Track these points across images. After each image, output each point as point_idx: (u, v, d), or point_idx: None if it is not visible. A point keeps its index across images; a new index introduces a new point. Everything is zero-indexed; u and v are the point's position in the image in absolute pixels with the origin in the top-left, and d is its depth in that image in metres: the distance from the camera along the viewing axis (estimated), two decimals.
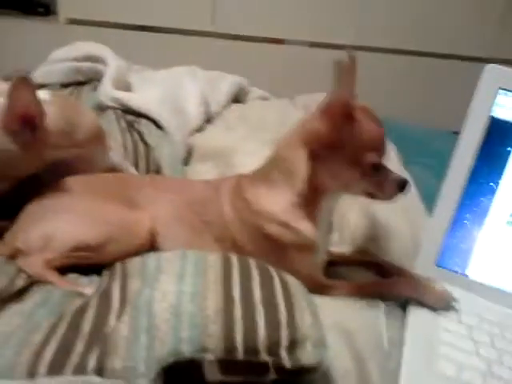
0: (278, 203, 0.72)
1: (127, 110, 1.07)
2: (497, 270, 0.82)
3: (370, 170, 0.70)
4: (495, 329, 0.75)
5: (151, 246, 0.71)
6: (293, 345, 0.47)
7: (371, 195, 0.75)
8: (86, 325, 0.52)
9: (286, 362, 0.47)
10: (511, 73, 0.78)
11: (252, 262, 0.57)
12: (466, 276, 0.83)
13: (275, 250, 0.70)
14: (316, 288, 0.71)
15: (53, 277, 0.63)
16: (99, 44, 1.28)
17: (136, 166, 0.96)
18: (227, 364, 0.47)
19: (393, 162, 0.98)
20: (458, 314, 0.76)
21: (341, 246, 0.90)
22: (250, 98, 1.52)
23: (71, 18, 2.24)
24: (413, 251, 0.87)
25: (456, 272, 0.83)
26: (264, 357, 0.46)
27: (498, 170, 0.80)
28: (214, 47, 2.26)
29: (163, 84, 1.24)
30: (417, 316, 0.75)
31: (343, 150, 0.70)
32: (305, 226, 0.71)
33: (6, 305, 0.58)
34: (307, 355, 0.47)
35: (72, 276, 0.65)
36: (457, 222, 0.82)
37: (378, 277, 0.82)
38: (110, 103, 1.08)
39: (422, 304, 0.75)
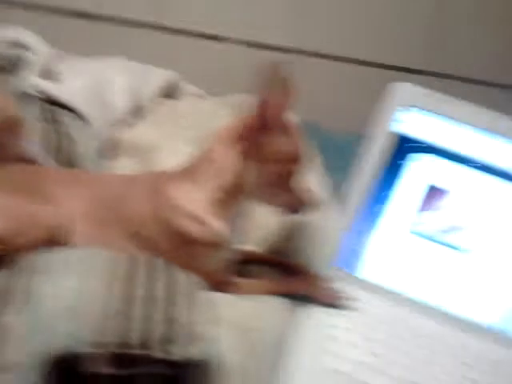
0: (196, 199, 0.73)
1: (51, 100, 1.07)
2: (388, 271, 0.89)
3: (285, 179, 0.74)
4: (383, 326, 0.82)
5: (63, 239, 0.71)
6: (186, 340, 0.51)
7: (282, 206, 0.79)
8: None
9: (176, 355, 0.50)
10: (415, 90, 0.85)
11: (159, 264, 0.60)
12: (358, 276, 0.89)
13: (184, 245, 0.70)
14: (221, 286, 0.75)
15: None
16: (25, 30, 1.25)
17: (56, 157, 0.96)
18: (122, 358, 0.50)
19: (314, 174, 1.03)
20: (349, 312, 0.83)
21: (252, 245, 0.95)
22: (184, 95, 1.54)
23: (7, 0, 2.16)
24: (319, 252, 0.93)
25: (351, 273, 0.90)
26: (156, 352, 0.50)
27: (394, 181, 0.87)
28: (152, 39, 2.24)
29: (91, 74, 1.23)
30: (310, 313, 0.81)
31: (266, 155, 0.72)
32: (218, 224, 0.73)
33: None
34: (197, 350, 0.51)
35: None
36: (354, 226, 0.89)
37: (282, 275, 0.87)
38: (34, 93, 1.07)
39: (315, 301, 0.81)
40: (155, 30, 2.25)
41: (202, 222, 0.73)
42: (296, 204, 0.77)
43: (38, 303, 0.53)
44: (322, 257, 0.90)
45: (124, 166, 1.04)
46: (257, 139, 0.71)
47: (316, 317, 0.80)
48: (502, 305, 0.86)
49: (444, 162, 0.85)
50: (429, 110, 0.84)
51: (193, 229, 0.73)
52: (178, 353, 0.50)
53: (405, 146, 0.85)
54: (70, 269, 0.56)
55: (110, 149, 1.11)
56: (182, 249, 0.72)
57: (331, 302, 0.81)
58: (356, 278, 0.89)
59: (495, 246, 0.85)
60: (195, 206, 0.73)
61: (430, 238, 0.86)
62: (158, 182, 0.77)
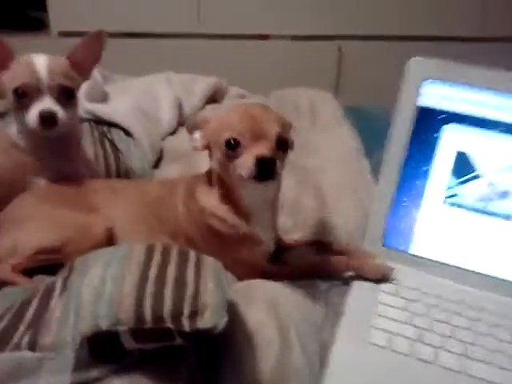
0: (211, 200, 0.80)
1: (99, 121, 1.16)
2: (437, 245, 0.88)
3: (225, 148, 0.73)
4: (432, 300, 0.81)
5: (107, 242, 0.79)
6: (193, 313, 0.56)
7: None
8: (30, 312, 0.63)
9: (186, 327, 0.55)
10: (433, 63, 0.84)
11: (174, 248, 0.65)
12: (410, 253, 0.89)
13: (220, 242, 0.77)
14: (262, 275, 0.79)
15: (19, 279, 0.73)
16: None
17: (107, 172, 1.05)
18: (139, 333, 0.56)
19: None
20: (397, 289, 0.83)
21: (295, 231, 0.98)
22: (228, 98, 1.59)
23: (63, 31, 2.33)
24: (362, 232, 0.94)
25: (401, 250, 0.90)
26: (168, 324, 0.55)
27: (429, 155, 0.86)
28: (201, 48, 2.32)
29: (137, 92, 1.32)
30: (357, 290, 0.82)
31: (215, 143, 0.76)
32: (232, 219, 0.79)
33: None
34: (204, 321, 0.55)
35: (39, 277, 0.74)
36: (397, 204, 0.89)
37: (320, 255, 0.89)
38: (85, 115, 1.17)
39: (363, 278, 0.82)
40: (195, 39, 2.33)
41: (222, 220, 0.79)
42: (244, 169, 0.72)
43: (70, 291, 0.62)
44: (359, 236, 0.92)
45: (170, 172, 1.11)
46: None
47: (363, 294, 0.81)
48: None
49: (472, 129, 0.83)
50: (449, 81, 0.83)
51: (221, 227, 0.79)
52: (187, 324, 0.55)
53: (431, 119, 0.85)
54: (98, 260, 0.63)
55: (159, 157, 1.19)
56: (219, 246, 0.79)
57: (376, 276, 0.82)
58: (404, 254, 0.89)
59: None
60: (213, 205, 0.79)
61: (471, 209, 0.85)
62: (190, 186, 0.83)
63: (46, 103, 0.85)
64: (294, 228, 0.98)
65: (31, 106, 0.85)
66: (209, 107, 1.47)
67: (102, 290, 0.58)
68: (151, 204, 0.84)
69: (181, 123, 1.34)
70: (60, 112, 0.86)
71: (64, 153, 0.95)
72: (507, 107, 0.81)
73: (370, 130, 1.33)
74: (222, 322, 0.56)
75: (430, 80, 0.84)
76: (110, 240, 0.79)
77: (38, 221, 0.78)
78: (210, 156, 0.80)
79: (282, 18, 2.36)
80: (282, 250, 0.89)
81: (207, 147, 0.79)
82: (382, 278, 0.83)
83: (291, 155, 0.79)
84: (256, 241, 0.81)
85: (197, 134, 0.78)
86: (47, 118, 0.85)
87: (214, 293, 0.58)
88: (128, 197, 0.85)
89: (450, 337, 0.74)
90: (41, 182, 0.92)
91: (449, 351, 0.72)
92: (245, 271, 0.78)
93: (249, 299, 0.71)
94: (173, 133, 1.31)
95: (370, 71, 2.33)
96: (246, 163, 0.70)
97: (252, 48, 2.38)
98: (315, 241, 0.91)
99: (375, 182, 1.11)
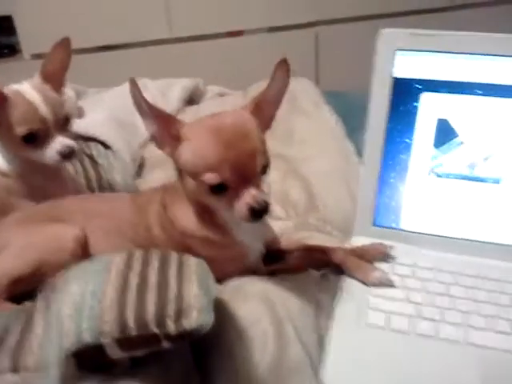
0: (188, 218, 0.75)
1: (76, 136, 1.14)
2: (428, 218, 0.86)
3: (209, 190, 0.67)
4: (428, 274, 0.80)
5: (83, 253, 0.76)
6: (178, 315, 0.55)
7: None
8: (12, 336, 0.62)
9: (172, 330, 0.54)
10: (403, 33, 0.82)
11: (154, 253, 0.64)
12: (402, 229, 0.88)
13: (209, 264, 0.67)
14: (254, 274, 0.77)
15: (3, 306, 0.71)
16: None
17: (89, 187, 1.03)
18: (124, 342, 0.55)
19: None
20: (392, 266, 0.81)
21: (287, 221, 0.97)
22: (206, 98, 1.58)
23: (35, 54, 2.31)
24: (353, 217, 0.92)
25: (393, 228, 0.88)
26: (153, 329, 0.54)
27: (409, 127, 0.84)
28: (175, 53, 2.31)
29: (112, 103, 1.30)
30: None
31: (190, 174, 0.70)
32: (216, 237, 0.74)
33: None
34: (190, 321, 0.54)
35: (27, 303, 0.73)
36: (383, 182, 0.87)
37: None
38: None
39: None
40: (168, 45, 2.32)
41: (207, 240, 0.75)
42: (242, 212, 0.68)
43: (51, 309, 0.61)
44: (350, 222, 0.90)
45: (153, 180, 1.09)
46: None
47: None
48: None
49: (450, 95, 0.81)
50: (421, 50, 0.81)
51: (207, 249, 0.74)
52: (172, 327, 0.54)
53: (408, 89, 0.83)
54: (77, 276, 0.62)
55: (140, 166, 1.17)
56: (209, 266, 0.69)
57: (366, 279, 0.78)
58: (396, 231, 0.87)
59: None
60: (193, 225, 0.74)
61: (458, 176, 0.83)
62: (162, 204, 0.78)
63: (61, 140, 0.89)
64: (286, 218, 0.96)
65: (47, 146, 0.88)
66: (187, 109, 1.46)
67: (83, 305, 0.56)
68: (125, 230, 0.80)
69: None
70: (73, 142, 0.90)
71: (55, 174, 0.95)
72: (480, 69, 0.80)
73: (352, 113, 1.32)
74: (208, 321, 0.54)
75: (402, 50, 0.82)
76: (83, 250, 0.77)
77: (11, 248, 0.76)
78: (178, 172, 0.75)
79: (254, 11, 2.34)
80: (277, 251, 0.85)
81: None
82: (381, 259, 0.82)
83: (276, 146, 0.76)
84: (244, 251, 0.78)
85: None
86: (68, 154, 0.89)
87: (199, 293, 0.57)
88: (101, 220, 0.81)
89: (448, 308, 0.73)
90: (29, 205, 0.90)
91: (449, 323, 0.71)
92: (236, 276, 0.76)
93: (241, 295, 0.70)
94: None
95: (348, 54, 2.32)
96: (238, 209, 0.67)
97: (228, 45, 2.36)
98: (312, 246, 0.85)
99: (361, 163, 1.10)
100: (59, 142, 0.88)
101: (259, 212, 0.67)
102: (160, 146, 0.72)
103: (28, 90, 0.88)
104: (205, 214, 0.74)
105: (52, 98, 0.89)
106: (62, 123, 0.90)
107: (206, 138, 0.67)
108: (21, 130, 0.86)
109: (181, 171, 0.73)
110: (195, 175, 0.68)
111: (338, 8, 2.37)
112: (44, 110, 0.87)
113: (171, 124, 0.70)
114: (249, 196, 0.66)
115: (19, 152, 0.90)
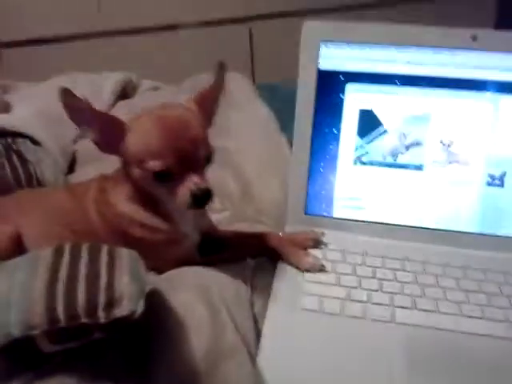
0: (127, 203, 0.76)
1: (2, 132, 1.09)
2: (356, 205, 0.90)
3: (153, 177, 0.69)
4: (358, 259, 0.83)
5: (19, 252, 0.72)
6: (109, 304, 0.55)
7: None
8: None
9: (102, 319, 0.54)
10: (327, 25, 0.86)
11: (84, 244, 0.63)
12: (333, 217, 0.91)
13: (144, 248, 0.68)
14: (190, 265, 0.78)
15: None
16: None
17: (19, 185, 1.00)
18: (54, 334, 0.54)
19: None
20: (323, 252, 0.84)
21: (224, 212, 0.97)
22: (140, 92, 1.55)
23: None
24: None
25: (324, 216, 0.91)
26: (83, 319, 0.54)
27: (336, 117, 0.87)
28: (107, 47, 2.26)
29: (42, 97, 1.26)
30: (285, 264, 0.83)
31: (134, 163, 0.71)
32: (154, 222, 0.76)
33: None
34: (121, 310, 0.54)
35: None
36: (313, 172, 0.90)
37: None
38: None
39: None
40: (100, 38, 2.27)
41: (145, 225, 0.75)
42: (184, 199, 0.69)
43: None
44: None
45: (85, 175, 1.06)
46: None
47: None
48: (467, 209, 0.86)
49: (373, 86, 0.85)
50: (345, 41, 0.85)
51: (144, 234, 0.76)
52: (103, 316, 0.54)
53: (333, 81, 0.86)
54: (4, 270, 0.60)
55: (72, 162, 1.15)
56: (146, 253, 0.67)
57: (297, 263, 0.81)
58: (327, 219, 0.90)
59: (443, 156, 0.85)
60: (131, 210, 0.75)
61: (382, 164, 0.87)
62: (100, 191, 0.78)
63: None
64: (223, 209, 0.97)
65: None
66: (121, 103, 1.43)
67: (11, 298, 0.55)
68: (62, 217, 0.79)
69: None
70: None
71: None
72: (401, 60, 0.84)
73: (285, 106, 1.34)
74: (138, 308, 0.55)
75: (327, 42, 0.85)
76: (17, 248, 0.74)
77: None
78: (123, 164, 0.75)
79: (188, 5, 2.33)
80: (215, 239, 0.86)
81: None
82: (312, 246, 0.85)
83: (212, 139, 0.77)
84: (181, 238, 0.79)
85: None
86: None
87: (130, 281, 0.57)
88: (38, 210, 0.80)
89: (376, 290, 0.77)
90: None
91: (377, 303, 0.74)
92: (172, 266, 0.77)
93: (176, 285, 0.70)
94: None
95: (281, 49, 2.35)
96: (180, 195, 0.69)
97: (161, 39, 2.34)
98: (248, 233, 0.87)
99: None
100: None
101: (201, 199, 0.69)
102: (103, 149, 0.73)
103: None
104: (148, 202, 0.75)
105: None
106: None
107: (150, 126, 0.69)
108: None
109: (126, 163, 0.74)
110: (140, 163, 0.69)
111: (270, 3, 2.40)
112: None
113: (114, 123, 0.71)
114: (191, 182, 0.68)
115: None
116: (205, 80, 1.52)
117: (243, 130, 1.18)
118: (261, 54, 2.45)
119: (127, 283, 0.56)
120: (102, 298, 0.55)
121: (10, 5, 2.14)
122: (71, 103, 0.68)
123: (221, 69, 0.77)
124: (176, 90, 1.48)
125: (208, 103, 0.77)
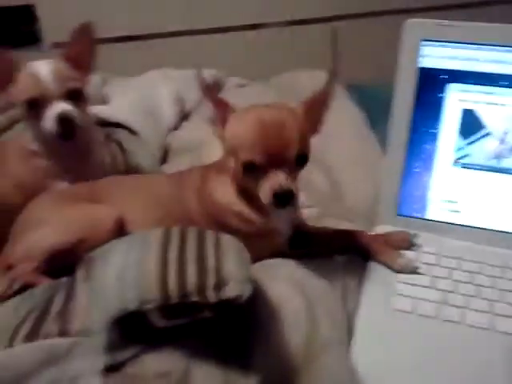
0: (227, 194, 0.78)
1: (103, 123, 1.15)
2: (452, 208, 0.87)
3: (242, 168, 0.71)
4: (453, 263, 0.81)
5: (121, 235, 0.77)
6: (218, 285, 0.57)
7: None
8: (56, 304, 0.65)
9: (212, 298, 0.57)
10: (429, 24, 0.83)
11: (191, 229, 0.66)
12: (426, 219, 0.89)
13: (240, 240, 0.69)
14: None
15: (41, 279, 0.73)
16: None
17: (117, 172, 1.05)
18: (166, 310, 0.57)
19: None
20: (417, 254, 0.82)
21: (311, 208, 0.98)
22: (226, 89, 1.58)
23: (56, 42, 2.33)
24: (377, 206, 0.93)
25: (417, 217, 0.89)
26: (194, 298, 0.56)
27: (435, 117, 0.85)
28: (196, 44, 2.32)
29: (136, 90, 1.32)
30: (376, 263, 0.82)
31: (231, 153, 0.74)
32: (251, 215, 0.77)
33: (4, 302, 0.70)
34: (229, 290, 0.57)
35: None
36: (408, 171, 0.88)
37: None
38: None
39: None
40: (188, 36, 2.33)
41: (242, 217, 0.77)
42: (266, 195, 0.70)
43: (94, 279, 0.64)
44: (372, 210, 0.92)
45: (178, 167, 1.10)
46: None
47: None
48: None
49: (476, 86, 0.82)
50: (447, 40, 0.82)
51: (240, 225, 0.77)
52: (213, 295, 0.57)
53: (433, 80, 0.84)
54: (117, 248, 0.65)
55: (165, 153, 1.19)
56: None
57: (390, 263, 0.80)
58: (420, 220, 0.88)
59: None
60: (229, 201, 0.77)
61: (483, 168, 0.84)
62: (202, 180, 0.81)
63: (60, 106, 0.87)
64: (310, 206, 0.97)
65: (45, 115, 0.87)
66: None
67: (126, 274, 0.59)
68: (161, 199, 0.83)
69: (183, 117, 1.34)
70: (75, 111, 0.88)
71: (82, 155, 0.96)
72: (506, 60, 0.80)
73: (373, 106, 1.33)
74: (246, 291, 0.57)
75: (428, 41, 0.83)
76: (121, 230, 0.79)
77: (49, 223, 0.78)
78: (225, 152, 0.78)
79: (274, 5, 2.35)
80: (304, 234, 0.86)
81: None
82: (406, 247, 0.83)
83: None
84: (275, 233, 0.80)
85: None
86: (64, 120, 0.87)
87: (236, 265, 0.59)
88: (137, 192, 0.85)
89: (474, 296, 0.74)
90: (62, 185, 0.93)
91: (475, 310, 0.72)
92: (263, 258, 0.78)
93: (272, 276, 0.71)
94: (175, 128, 1.30)
95: (367, 49, 2.32)
96: (263, 191, 0.70)
97: (247, 38, 2.37)
98: (338, 230, 0.87)
99: (384, 153, 1.11)
100: (56, 108, 0.86)
101: (282, 198, 0.69)
102: (215, 127, 0.77)
103: (41, 64, 0.89)
104: (245, 194, 0.77)
105: (60, 70, 0.89)
106: (69, 96, 0.88)
107: (247, 120, 0.72)
108: (23, 96, 0.87)
109: (225, 151, 0.77)
110: (234, 153, 0.72)
111: (359, 2, 2.37)
112: (48, 78, 0.87)
113: (224, 108, 0.74)
114: (274, 180, 0.69)
115: (29, 125, 0.92)
116: (289, 77, 1.54)
117: (333, 129, 1.18)
118: (346, 53, 2.42)
119: (234, 267, 0.58)
120: (211, 279, 0.57)
121: (103, 2, 2.24)
122: (202, 81, 0.72)
123: (330, 76, 0.77)
124: (262, 88, 1.50)
125: (316, 109, 0.77)
